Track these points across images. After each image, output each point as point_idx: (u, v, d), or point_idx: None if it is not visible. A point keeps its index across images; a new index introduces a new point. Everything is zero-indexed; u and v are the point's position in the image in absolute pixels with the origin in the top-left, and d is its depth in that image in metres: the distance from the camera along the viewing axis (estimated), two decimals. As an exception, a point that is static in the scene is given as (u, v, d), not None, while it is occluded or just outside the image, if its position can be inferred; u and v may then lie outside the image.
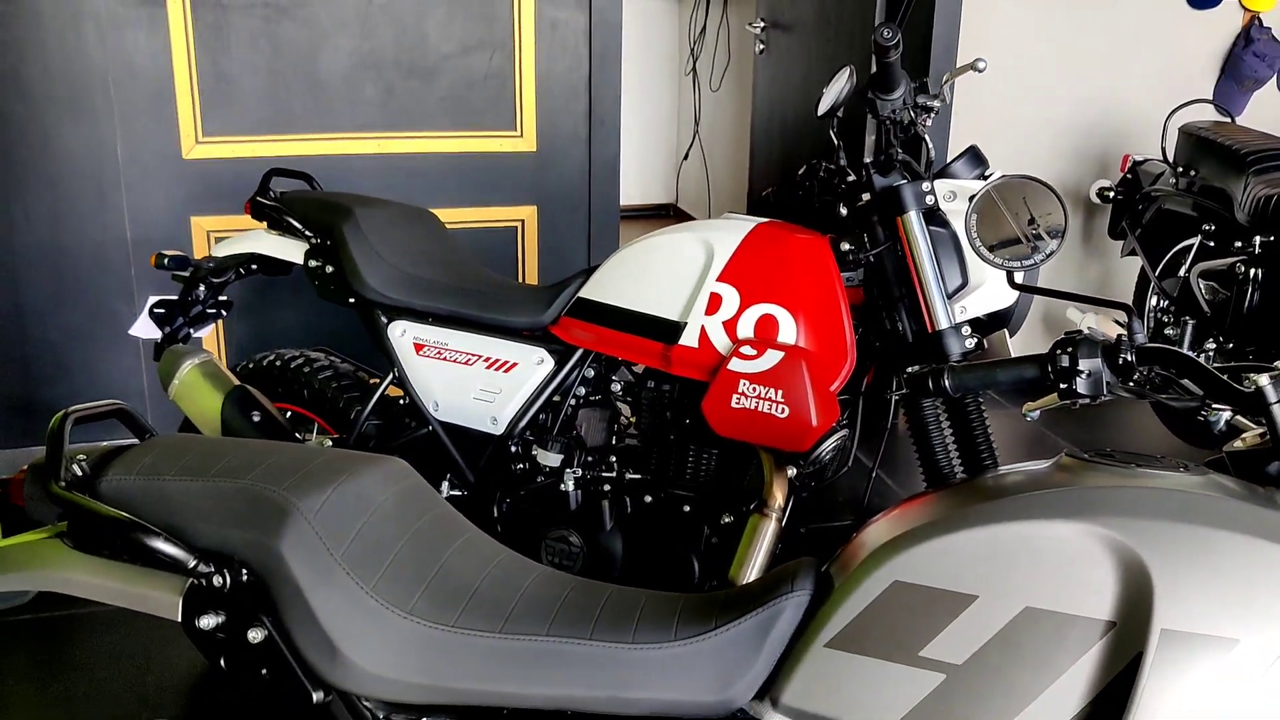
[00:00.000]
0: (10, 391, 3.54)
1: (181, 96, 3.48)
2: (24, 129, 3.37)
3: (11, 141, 3.37)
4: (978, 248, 1.74)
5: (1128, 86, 4.35)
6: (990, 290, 2.02)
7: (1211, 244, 3.53)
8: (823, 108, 2.31)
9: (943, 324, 2.00)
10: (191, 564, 1.18)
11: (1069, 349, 1.37)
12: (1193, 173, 3.71)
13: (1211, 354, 3.44)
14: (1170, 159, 3.81)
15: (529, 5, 3.66)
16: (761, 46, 5.33)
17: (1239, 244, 3.39)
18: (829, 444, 2.08)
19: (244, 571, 1.20)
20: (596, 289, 2.25)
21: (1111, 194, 4.08)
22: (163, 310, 2.73)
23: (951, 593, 1.13)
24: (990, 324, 2.08)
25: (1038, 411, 1.57)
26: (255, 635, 1.19)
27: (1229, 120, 3.91)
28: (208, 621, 1.19)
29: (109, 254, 3.54)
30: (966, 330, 2.01)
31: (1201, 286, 3.44)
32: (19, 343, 3.53)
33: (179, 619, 1.21)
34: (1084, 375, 1.36)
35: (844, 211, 2.20)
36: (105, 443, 1.41)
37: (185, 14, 3.41)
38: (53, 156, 3.42)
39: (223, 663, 1.21)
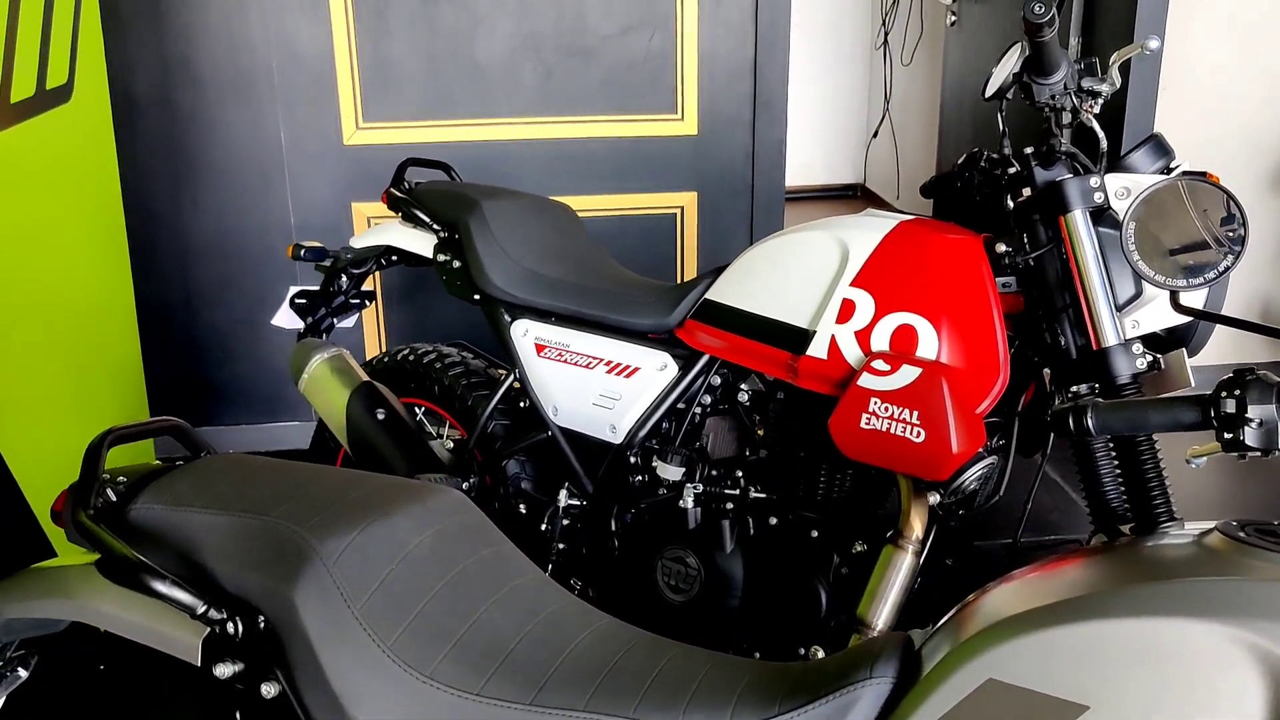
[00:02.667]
0: (179, 375, 3.64)
1: (342, 82, 3.47)
2: (192, 116, 3.44)
3: (180, 129, 3.44)
4: (1135, 262, 1.48)
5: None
6: (1168, 304, 1.74)
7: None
8: (990, 89, 2.06)
9: (1110, 340, 1.74)
10: (201, 609, 1.09)
11: (1236, 391, 1.13)
12: None
13: None
14: None
15: (692, -18, 3.50)
16: (953, 19, 4.99)
17: None
18: (973, 472, 1.85)
19: (260, 619, 1.10)
20: (723, 291, 2.08)
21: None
22: (304, 301, 2.71)
23: (1057, 699, 0.92)
24: (1169, 341, 1.80)
25: (1204, 459, 1.32)
26: (269, 690, 1.09)
27: None
28: (224, 670, 1.10)
29: (273, 240, 3.58)
30: (1138, 348, 1.74)
31: None
32: (188, 327, 3.62)
33: (199, 664, 1.12)
34: (1254, 425, 1.12)
35: (1010, 204, 1.96)
36: (156, 461, 1.34)
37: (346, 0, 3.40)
38: (219, 144, 3.47)
39: (238, 716, 1.12)
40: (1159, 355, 1.77)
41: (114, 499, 1.21)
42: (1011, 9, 4.43)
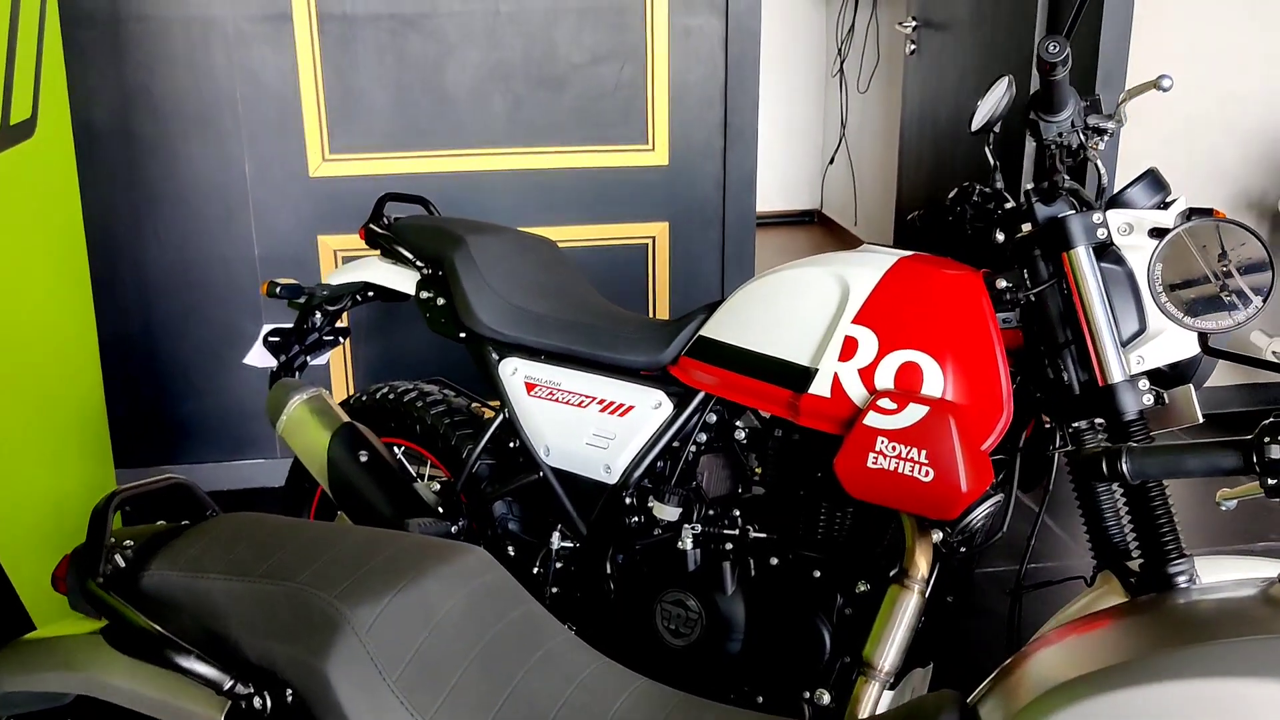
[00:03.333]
0: (142, 411, 3.54)
1: (308, 113, 3.41)
2: (154, 148, 3.36)
3: (142, 161, 3.36)
4: (1164, 304, 1.47)
5: (1326, 85, 3.92)
6: (1173, 339, 1.73)
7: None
8: (977, 122, 2.06)
9: (1115, 377, 1.73)
10: (227, 684, 1.03)
11: (1280, 437, 1.12)
12: (1403, 183, 3.29)
13: None
14: (1376, 167, 3.40)
15: (662, 12, 3.48)
16: (913, 47, 5.03)
17: None
18: (981, 511, 1.84)
19: (289, 692, 1.04)
20: (719, 328, 2.05)
21: (1305, 205, 3.68)
22: (277, 339, 2.64)
23: None
24: (1172, 377, 1.80)
25: (1234, 502, 1.31)
26: (298, 768, 1.03)
27: None
28: None
29: (237, 273, 3.51)
30: (1144, 384, 1.73)
31: None
32: (150, 361, 3.52)
33: (220, 740, 1.06)
34: (1300, 470, 1.10)
35: (1000, 238, 1.95)
36: (160, 523, 1.28)
37: (312, 29, 3.35)
38: (182, 175, 3.39)
39: (264, 795, 1.06)
40: (1163, 390, 1.77)
41: (123, 565, 1.15)
42: (972, 37, 4.48)
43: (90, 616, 1.18)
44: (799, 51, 6.85)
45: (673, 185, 3.64)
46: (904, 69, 5.19)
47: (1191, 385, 1.73)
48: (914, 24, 4.97)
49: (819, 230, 7.09)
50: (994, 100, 2.05)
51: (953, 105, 4.71)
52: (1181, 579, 1.67)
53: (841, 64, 6.54)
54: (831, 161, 6.80)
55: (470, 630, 1.10)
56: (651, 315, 3.76)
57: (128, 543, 1.19)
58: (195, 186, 3.41)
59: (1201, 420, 1.71)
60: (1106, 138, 1.75)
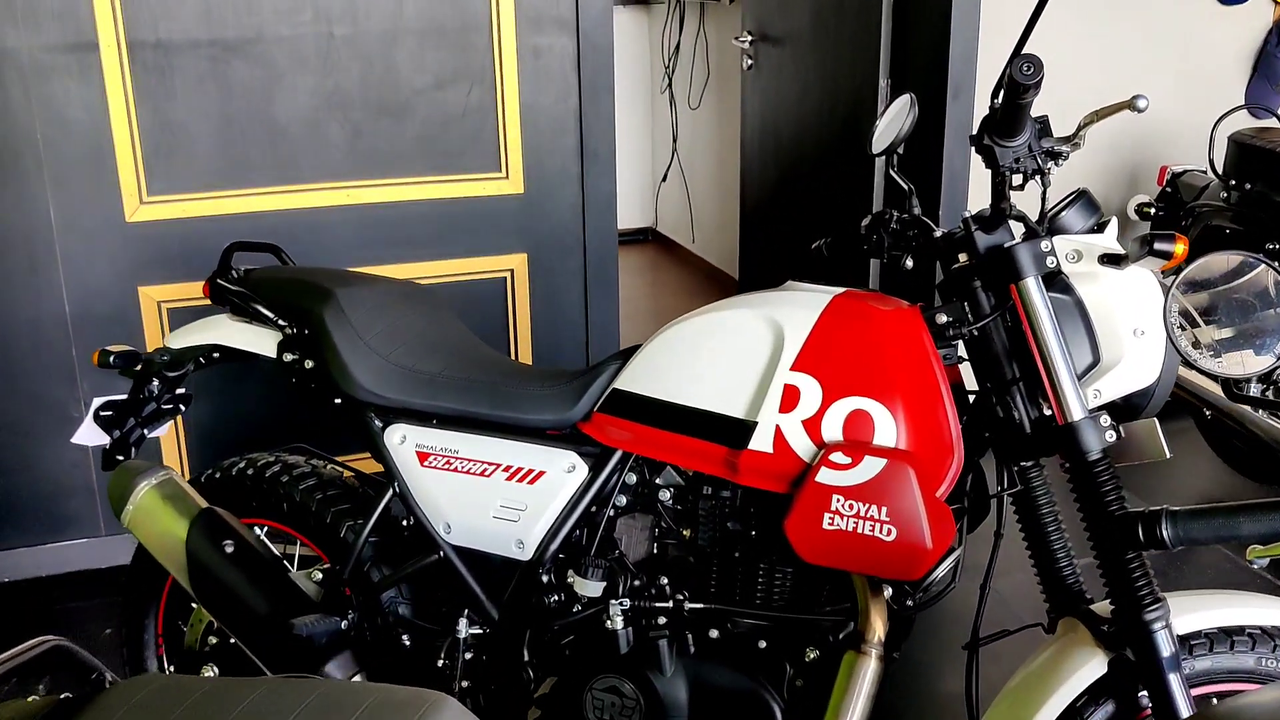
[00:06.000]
0: (-62, 497, 3.11)
1: (121, 152, 3.05)
2: (-60, 198, 2.94)
3: (-74, 213, 2.94)
4: (1185, 350, 1.37)
5: (1155, 91, 4.00)
6: (1129, 369, 1.63)
7: (1277, 264, 3.19)
8: (878, 145, 1.94)
9: (1076, 414, 1.62)
10: None
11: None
12: (1246, 185, 3.38)
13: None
14: (1218, 170, 3.48)
15: (509, 32, 3.27)
16: (750, 62, 4.96)
17: (1311, 264, 3.05)
18: (944, 566, 1.71)
19: None
20: (636, 379, 1.86)
21: (1152, 210, 3.75)
22: (110, 412, 2.31)
23: None
24: (1123, 409, 1.70)
25: (1266, 560, 1.20)
26: None
27: (1277, 125, 3.60)
28: None
29: (46, 333, 3.11)
30: (1106, 420, 1.63)
31: (1272, 313, 3.10)
32: (-54, 440, 3.09)
33: None
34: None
35: (910, 264, 1.83)
36: (34, 697, 1.00)
37: (121, 59, 2.99)
38: (-25, 227, 2.99)
39: None
40: (1119, 425, 1.67)
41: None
42: (813, 51, 4.43)
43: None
44: (625, 69, 6.72)
45: (529, 214, 3.43)
46: (742, 84, 5.11)
47: (1155, 420, 1.64)
48: (750, 39, 4.91)
49: (654, 248, 6.98)
50: (893, 120, 1.94)
51: (795, 119, 4.65)
52: (1158, 625, 1.58)
53: (670, 81, 6.45)
54: (664, 179, 6.70)
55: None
56: (513, 351, 3.54)
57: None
58: (-8, 239, 3.00)
59: (1169, 455, 1.62)
60: (1062, 161, 1.65)
